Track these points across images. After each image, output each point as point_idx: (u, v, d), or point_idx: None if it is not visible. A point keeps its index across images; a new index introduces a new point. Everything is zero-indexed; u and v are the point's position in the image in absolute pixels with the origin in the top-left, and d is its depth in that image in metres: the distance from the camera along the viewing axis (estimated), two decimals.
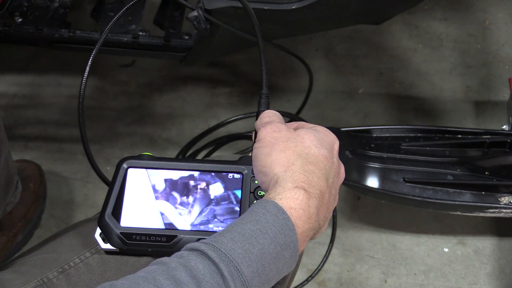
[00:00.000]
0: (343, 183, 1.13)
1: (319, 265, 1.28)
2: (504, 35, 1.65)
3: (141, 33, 1.19)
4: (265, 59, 0.71)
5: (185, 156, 1.44)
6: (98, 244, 0.68)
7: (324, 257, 1.29)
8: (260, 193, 0.68)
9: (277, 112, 0.69)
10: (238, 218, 0.59)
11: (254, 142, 0.66)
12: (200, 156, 1.44)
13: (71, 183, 1.42)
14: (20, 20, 1.21)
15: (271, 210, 0.58)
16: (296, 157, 0.61)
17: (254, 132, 0.69)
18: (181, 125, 1.50)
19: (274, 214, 0.57)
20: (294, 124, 0.70)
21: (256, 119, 0.70)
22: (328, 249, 1.30)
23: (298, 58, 1.34)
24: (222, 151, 1.46)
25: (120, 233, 0.67)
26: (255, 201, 0.68)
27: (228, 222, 0.67)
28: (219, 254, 0.54)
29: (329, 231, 1.33)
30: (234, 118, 1.44)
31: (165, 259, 0.55)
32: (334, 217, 1.34)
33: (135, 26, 1.21)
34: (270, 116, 0.68)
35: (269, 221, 0.57)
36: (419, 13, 1.69)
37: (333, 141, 0.66)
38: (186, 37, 1.20)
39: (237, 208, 0.68)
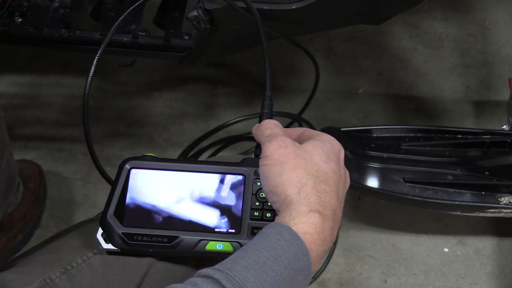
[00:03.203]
0: None
1: (322, 267, 1.28)
2: (504, 35, 1.65)
3: (141, 33, 1.19)
4: (269, 60, 0.71)
5: (187, 158, 1.44)
6: (100, 244, 0.68)
7: (327, 258, 1.29)
8: (262, 195, 0.68)
9: (277, 122, 0.67)
10: (251, 242, 0.58)
11: (256, 148, 0.65)
12: (201, 158, 1.44)
13: (71, 183, 1.42)
14: (20, 20, 1.21)
15: (286, 236, 0.57)
16: (308, 177, 0.60)
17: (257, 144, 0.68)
18: (181, 125, 1.50)
19: (288, 240, 0.57)
20: (297, 131, 0.69)
21: (260, 122, 0.69)
22: (330, 252, 1.30)
23: (307, 54, 1.32)
24: (224, 151, 1.46)
25: (122, 233, 0.67)
26: (257, 203, 0.68)
27: (230, 224, 0.67)
28: (233, 284, 0.54)
29: None
30: (240, 119, 1.44)
31: (178, 286, 0.55)
32: None
33: (135, 26, 1.21)
34: (271, 128, 0.66)
35: (283, 247, 0.56)
36: (419, 13, 1.69)
37: (339, 150, 0.65)
38: (186, 37, 1.20)
39: (239, 210, 0.68)
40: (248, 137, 1.45)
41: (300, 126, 1.29)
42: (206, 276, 0.55)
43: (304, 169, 0.61)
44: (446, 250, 1.32)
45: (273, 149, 0.62)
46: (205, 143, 1.45)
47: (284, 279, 0.56)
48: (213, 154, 1.44)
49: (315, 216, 0.58)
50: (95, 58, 0.75)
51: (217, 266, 0.56)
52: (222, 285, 0.53)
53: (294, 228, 0.58)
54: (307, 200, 0.59)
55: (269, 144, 0.63)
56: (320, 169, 0.61)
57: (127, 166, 0.70)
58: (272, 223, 0.59)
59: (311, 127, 1.27)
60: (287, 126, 1.32)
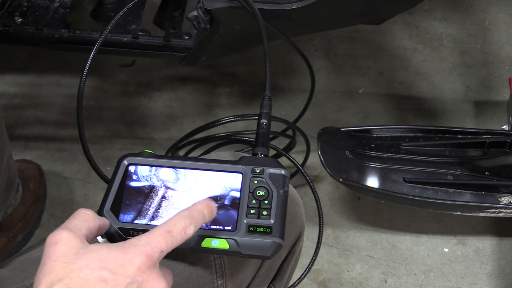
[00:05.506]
0: (344, 183, 1.13)
1: (309, 264, 1.28)
2: (504, 35, 1.65)
3: (141, 33, 1.19)
4: (270, 61, 0.71)
5: (175, 154, 1.43)
6: (96, 239, 0.68)
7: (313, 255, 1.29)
8: (259, 193, 0.68)
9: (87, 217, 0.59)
10: None
11: (254, 147, 0.64)
12: (192, 155, 1.44)
13: (71, 183, 1.42)
14: (20, 20, 1.21)
15: None
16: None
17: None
18: (181, 125, 1.50)
19: None
20: None
21: (258, 123, 0.69)
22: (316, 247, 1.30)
23: (303, 57, 1.32)
24: (220, 150, 1.45)
25: (118, 228, 0.67)
26: (253, 201, 0.68)
27: (226, 222, 0.68)
28: None
29: (329, 231, 1.33)
30: (232, 119, 1.43)
31: None
32: (320, 212, 1.34)
33: (135, 26, 1.21)
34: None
35: None
36: (419, 13, 1.69)
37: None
38: (186, 37, 1.20)
39: (236, 208, 0.68)
40: (244, 140, 1.43)
41: (294, 134, 1.28)
42: None
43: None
44: (446, 250, 1.32)
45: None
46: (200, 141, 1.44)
47: None
48: (206, 152, 1.44)
49: None
50: (90, 54, 0.75)
51: None
52: None
53: None
54: None
55: None
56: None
57: (125, 162, 0.70)
58: None
59: (305, 136, 1.26)
60: (283, 131, 1.31)
